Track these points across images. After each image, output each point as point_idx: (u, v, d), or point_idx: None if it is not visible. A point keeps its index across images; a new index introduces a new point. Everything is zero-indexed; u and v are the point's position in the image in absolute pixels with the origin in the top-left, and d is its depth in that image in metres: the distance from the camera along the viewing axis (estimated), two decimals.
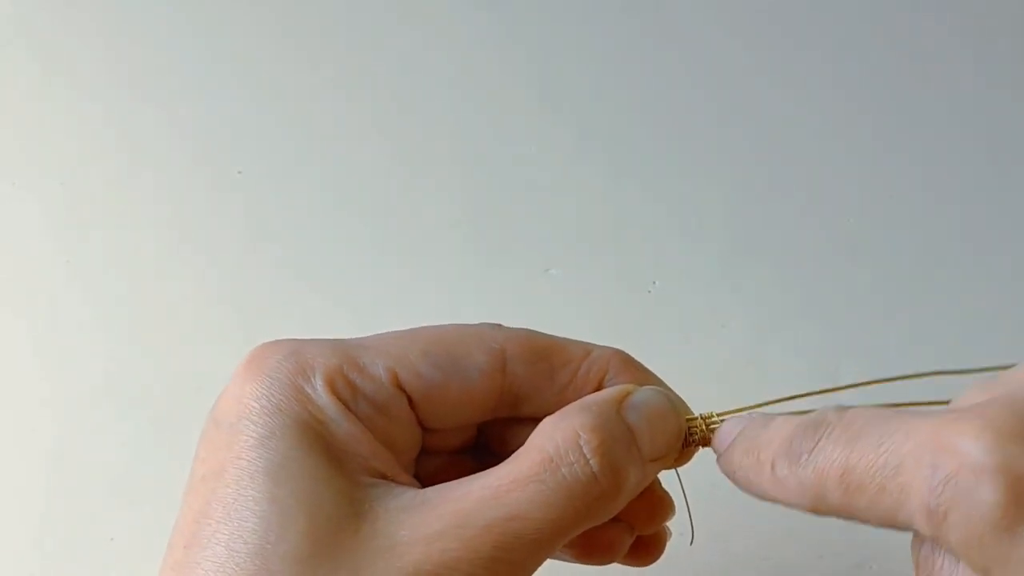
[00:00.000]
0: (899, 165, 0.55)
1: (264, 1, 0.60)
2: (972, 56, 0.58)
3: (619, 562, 0.33)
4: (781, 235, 0.53)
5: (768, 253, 0.52)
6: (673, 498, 0.33)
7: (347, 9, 0.59)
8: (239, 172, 0.55)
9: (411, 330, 0.30)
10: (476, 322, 0.31)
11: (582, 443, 0.27)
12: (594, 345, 0.32)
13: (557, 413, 0.29)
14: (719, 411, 0.31)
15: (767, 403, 0.31)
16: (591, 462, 0.27)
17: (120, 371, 0.49)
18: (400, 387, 0.29)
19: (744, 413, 0.30)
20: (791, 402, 0.30)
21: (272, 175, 0.55)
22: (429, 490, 0.27)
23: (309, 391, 0.28)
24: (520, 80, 0.58)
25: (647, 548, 0.33)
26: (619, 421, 0.28)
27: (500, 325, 0.31)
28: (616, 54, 0.58)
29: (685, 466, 0.32)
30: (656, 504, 0.32)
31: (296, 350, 0.29)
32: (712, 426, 0.30)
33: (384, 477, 0.28)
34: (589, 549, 0.32)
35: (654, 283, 0.51)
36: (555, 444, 0.27)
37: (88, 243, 0.53)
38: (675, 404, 0.30)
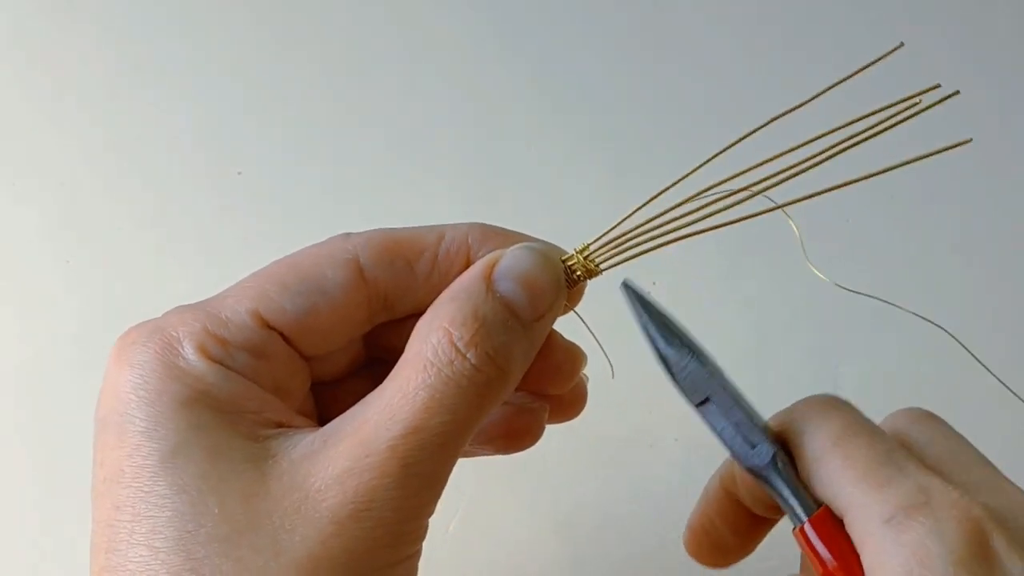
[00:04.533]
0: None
1: (264, 2, 0.60)
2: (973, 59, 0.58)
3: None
4: (781, 235, 0.53)
5: (768, 253, 0.52)
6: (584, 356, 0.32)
7: (346, 10, 0.59)
8: (239, 172, 0.55)
9: (265, 267, 0.30)
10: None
11: (456, 340, 0.27)
12: (448, 225, 0.31)
13: (428, 311, 0.28)
14: (591, 239, 0.30)
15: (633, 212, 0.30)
16: (468, 356, 0.27)
17: None
18: (269, 326, 0.28)
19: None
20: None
21: (272, 175, 0.55)
22: (327, 429, 0.27)
23: (182, 364, 0.27)
24: (518, 81, 0.58)
25: (569, 400, 0.33)
26: (489, 299, 0.28)
27: (349, 233, 0.30)
28: (615, 53, 0.59)
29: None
30: (564, 358, 0.31)
31: (157, 327, 0.28)
32: (591, 256, 0.30)
33: (280, 425, 0.27)
34: (507, 440, 0.31)
35: (654, 283, 0.51)
36: (431, 346, 0.27)
37: (88, 243, 0.53)
38: (545, 254, 0.30)
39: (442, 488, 0.27)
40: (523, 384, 0.29)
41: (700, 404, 0.29)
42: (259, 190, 0.55)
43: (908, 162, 0.27)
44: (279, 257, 0.30)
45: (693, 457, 0.45)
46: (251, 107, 0.57)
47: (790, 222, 0.29)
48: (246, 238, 0.53)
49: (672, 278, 0.51)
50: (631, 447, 0.46)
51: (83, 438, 0.47)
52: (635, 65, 0.58)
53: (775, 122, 0.28)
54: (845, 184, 0.28)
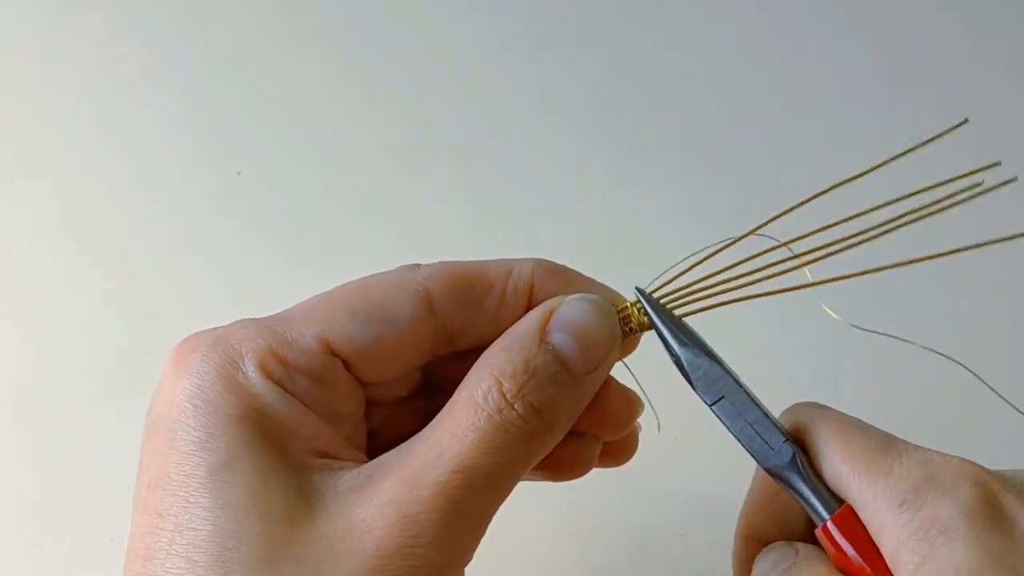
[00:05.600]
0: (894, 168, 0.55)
1: (263, 3, 0.60)
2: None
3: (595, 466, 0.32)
4: (781, 236, 0.53)
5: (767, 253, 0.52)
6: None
7: (346, 11, 0.59)
8: (239, 172, 0.55)
9: (332, 291, 0.29)
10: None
11: (505, 390, 0.27)
12: (514, 261, 0.31)
13: (481, 357, 0.28)
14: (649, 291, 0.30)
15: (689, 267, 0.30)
16: (516, 407, 0.27)
17: (120, 371, 0.49)
18: (333, 352, 0.28)
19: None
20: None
21: (272, 175, 0.55)
22: (371, 465, 0.27)
23: (241, 380, 0.27)
24: (518, 81, 0.58)
25: (620, 447, 0.33)
26: (541, 351, 0.28)
27: (418, 265, 0.30)
28: (614, 56, 0.59)
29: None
30: (619, 406, 0.31)
31: (220, 338, 0.28)
32: (644, 311, 0.30)
33: (327, 455, 0.27)
34: (557, 469, 0.31)
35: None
36: (481, 391, 0.27)
37: (88, 243, 0.53)
38: (602, 306, 0.30)
39: (483, 534, 0.27)
40: (577, 427, 0.29)
41: (715, 403, 0.29)
42: (259, 190, 0.55)
43: (961, 250, 0.27)
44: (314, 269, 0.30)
45: (693, 457, 0.45)
46: (251, 107, 0.57)
47: (806, 270, 0.29)
48: (246, 238, 0.53)
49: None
50: None
51: (83, 438, 0.48)
52: (635, 65, 0.58)
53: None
54: (891, 267, 0.28)
